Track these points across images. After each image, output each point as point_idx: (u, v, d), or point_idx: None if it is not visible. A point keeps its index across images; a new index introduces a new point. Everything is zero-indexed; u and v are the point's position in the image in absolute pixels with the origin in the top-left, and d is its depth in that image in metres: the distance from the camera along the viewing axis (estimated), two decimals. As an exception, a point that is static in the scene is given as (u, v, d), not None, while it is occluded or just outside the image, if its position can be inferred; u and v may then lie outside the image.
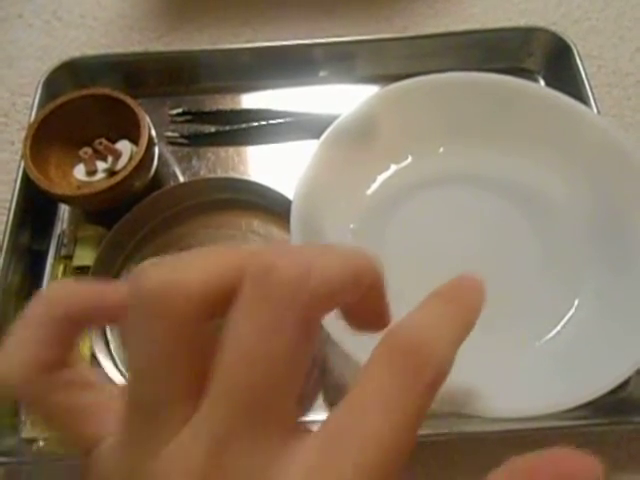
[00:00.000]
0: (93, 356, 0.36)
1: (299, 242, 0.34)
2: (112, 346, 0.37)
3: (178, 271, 0.14)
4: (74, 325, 0.16)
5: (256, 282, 0.14)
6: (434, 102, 0.41)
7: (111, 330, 0.38)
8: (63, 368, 0.16)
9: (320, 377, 0.37)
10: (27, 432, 0.35)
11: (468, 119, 0.41)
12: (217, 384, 0.13)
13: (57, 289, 0.17)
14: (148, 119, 0.41)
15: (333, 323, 0.31)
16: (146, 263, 0.14)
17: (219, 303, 0.14)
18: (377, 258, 0.17)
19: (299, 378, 0.14)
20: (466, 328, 0.16)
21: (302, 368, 0.14)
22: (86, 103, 0.41)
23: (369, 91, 0.47)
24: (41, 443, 0.34)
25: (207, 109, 0.47)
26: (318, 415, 0.36)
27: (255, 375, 0.13)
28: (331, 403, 0.36)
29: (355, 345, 0.31)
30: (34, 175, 0.38)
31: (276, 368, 0.13)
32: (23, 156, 0.39)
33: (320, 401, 0.36)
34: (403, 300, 0.37)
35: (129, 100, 0.41)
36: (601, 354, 0.33)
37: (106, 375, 0.34)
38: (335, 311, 0.33)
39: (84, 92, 0.41)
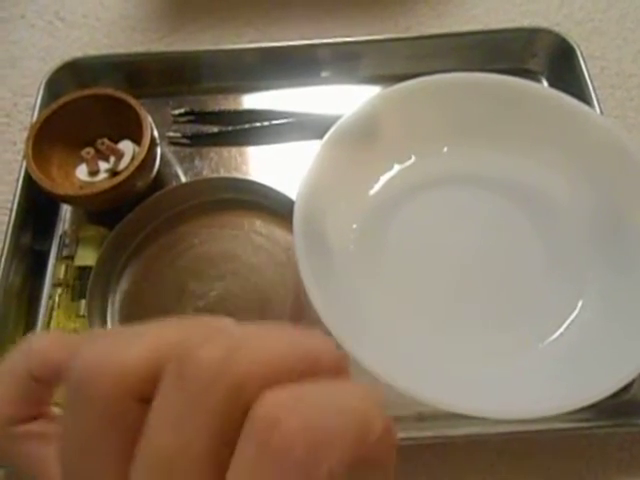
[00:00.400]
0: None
1: (302, 242, 0.33)
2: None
3: (112, 352, 0.13)
4: (41, 383, 0.17)
5: (173, 368, 0.13)
6: (437, 102, 0.41)
7: (113, 330, 0.38)
8: (33, 420, 0.17)
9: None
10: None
11: (471, 119, 0.41)
12: (132, 473, 0.13)
13: (28, 345, 0.17)
14: (150, 119, 0.40)
15: (335, 324, 0.31)
16: (84, 339, 0.14)
17: (149, 386, 0.13)
18: (333, 343, 0.14)
19: (221, 465, 0.13)
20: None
21: (225, 454, 0.13)
22: (88, 103, 0.41)
23: (372, 91, 0.48)
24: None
25: (210, 109, 0.47)
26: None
27: (164, 468, 0.13)
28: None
29: (357, 346, 0.31)
30: (36, 175, 0.38)
31: (188, 461, 0.12)
32: (25, 156, 0.39)
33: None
34: (406, 300, 0.37)
35: (131, 100, 0.41)
36: (605, 356, 0.33)
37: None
38: (338, 311, 0.33)
39: (86, 92, 0.41)
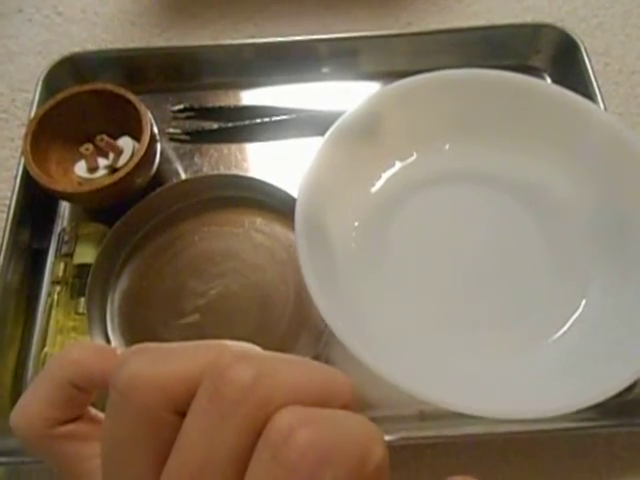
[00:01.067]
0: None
1: (304, 240, 0.33)
2: (113, 345, 0.37)
3: (154, 366, 0.15)
4: (81, 390, 0.19)
5: (208, 384, 0.14)
6: (440, 99, 0.40)
7: (112, 331, 0.37)
8: (73, 421, 0.19)
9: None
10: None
11: (473, 116, 0.41)
12: (164, 477, 0.15)
13: (69, 355, 0.19)
14: (150, 115, 0.40)
15: (337, 323, 0.31)
16: (130, 352, 0.16)
17: (186, 400, 0.15)
18: (351, 383, 0.16)
19: (241, 472, 0.14)
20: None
21: (245, 463, 0.14)
22: (87, 99, 0.41)
23: (373, 87, 0.47)
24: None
25: (209, 105, 0.47)
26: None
27: (193, 472, 0.14)
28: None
29: (359, 345, 0.30)
30: (34, 172, 0.38)
31: (214, 467, 0.14)
32: (23, 152, 0.39)
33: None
34: (408, 298, 0.37)
35: (131, 96, 0.40)
36: (609, 355, 0.32)
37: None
38: (340, 309, 0.33)
39: (85, 87, 0.41)
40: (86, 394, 0.19)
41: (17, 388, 0.37)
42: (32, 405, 0.19)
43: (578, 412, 0.30)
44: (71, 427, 0.19)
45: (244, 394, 0.14)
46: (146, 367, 0.15)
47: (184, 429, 0.14)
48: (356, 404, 0.16)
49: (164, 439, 0.15)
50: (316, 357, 0.35)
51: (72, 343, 0.19)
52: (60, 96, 0.40)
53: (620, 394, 0.30)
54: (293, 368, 0.15)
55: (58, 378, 0.19)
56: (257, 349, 0.16)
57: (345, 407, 0.15)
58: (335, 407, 0.15)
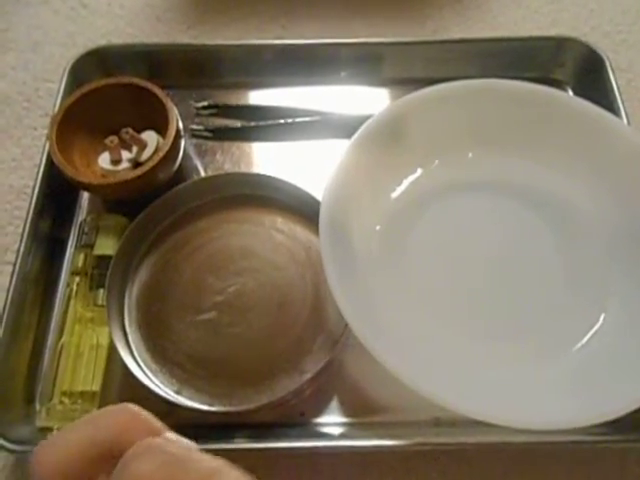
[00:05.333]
0: (112, 346, 0.35)
1: (327, 242, 0.33)
2: (130, 338, 0.37)
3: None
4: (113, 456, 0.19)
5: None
6: (463, 108, 0.41)
7: (129, 324, 0.37)
8: None
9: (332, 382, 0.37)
10: (42, 421, 0.34)
11: (497, 126, 0.41)
12: None
13: (115, 416, 0.20)
14: (176, 111, 0.40)
15: (358, 324, 0.31)
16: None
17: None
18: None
19: None
20: None
21: None
22: (113, 91, 0.41)
23: (394, 94, 0.48)
24: (55, 432, 0.34)
25: (233, 103, 0.47)
26: (333, 417, 0.36)
27: None
28: (347, 407, 0.36)
29: (380, 347, 0.30)
30: (60, 162, 0.38)
31: None
32: (49, 142, 0.39)
33: (335, 403, 0.36)
34: (426, 304, 0.37)
35: (157, 90, 0.40)
36: (627, 370, 0.32)
37: (125, 365, 0.34)
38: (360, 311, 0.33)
39: (112, 80, 0.41)
40: (112, 460, 0.18)
41: (32, 376, 0.37)
42: (58, 455, 0.18)
43: (592, 426, 0.30)
44: None
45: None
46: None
47: None
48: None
49: None
50: (331, 360, 0.35)
51: (117, 406, 0.20)
52: (87, 88, 0.40)
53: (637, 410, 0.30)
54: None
55: (97, 437, 0.18)
56: None
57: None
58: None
